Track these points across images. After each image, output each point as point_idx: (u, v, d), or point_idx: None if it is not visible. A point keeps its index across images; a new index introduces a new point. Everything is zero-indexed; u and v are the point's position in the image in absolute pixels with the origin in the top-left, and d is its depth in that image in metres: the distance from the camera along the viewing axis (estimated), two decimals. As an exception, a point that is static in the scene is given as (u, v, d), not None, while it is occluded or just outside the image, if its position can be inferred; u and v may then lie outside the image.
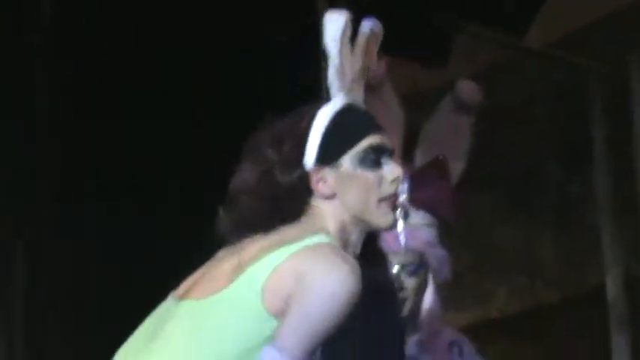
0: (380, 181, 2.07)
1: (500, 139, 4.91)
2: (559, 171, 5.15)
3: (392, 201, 2.15)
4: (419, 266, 3.11)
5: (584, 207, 5.11)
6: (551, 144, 5.10)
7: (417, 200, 3.10)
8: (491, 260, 5.19)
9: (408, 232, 3.08)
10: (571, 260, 5.09)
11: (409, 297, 3.11)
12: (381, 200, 2.06)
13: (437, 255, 3.18)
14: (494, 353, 3.85)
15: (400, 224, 3.04)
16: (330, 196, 2.05)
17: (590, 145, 5.02)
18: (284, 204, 2.07)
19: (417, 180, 3.14)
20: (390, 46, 3.13)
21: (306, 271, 1.92)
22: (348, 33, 2.15)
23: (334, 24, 2.11)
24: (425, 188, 3.17)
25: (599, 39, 4.83)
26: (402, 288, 3.08)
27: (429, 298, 3.18)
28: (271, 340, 1.91)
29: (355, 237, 2.07)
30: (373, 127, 2.11)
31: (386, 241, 2.77)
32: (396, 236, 3.04)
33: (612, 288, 4.90)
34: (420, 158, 3.29)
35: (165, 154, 4.28)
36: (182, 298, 2.08)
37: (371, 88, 2.98)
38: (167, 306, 2.11)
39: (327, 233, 2.03)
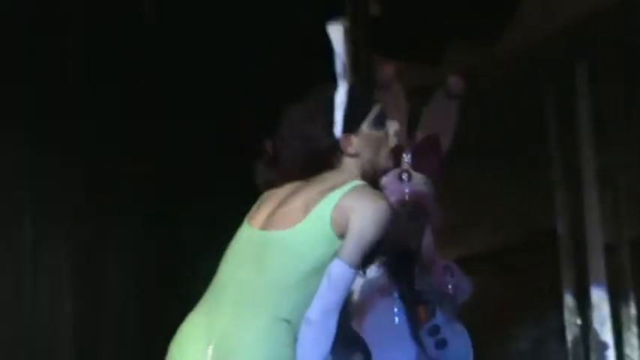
0: (387, 135, 2.46)
1: (483, 124, 5.28)
2: (525, 144, 5.75)
3: (393, 151, 2.51)
4: (415, 214, 3.51)
5: (543, 171, 5.74)
6: (518, 124, 5.63)
7: (417, 166, 3.54)
8: (475, 210, 5.70)
9: (411, 189, 3.51)
10: (534, 210, 5.75)
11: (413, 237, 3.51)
12: (389, 151, 2.45)
13: (432, 206, 3.59)
14: (475, 281, 3.83)
15: (405, 183, 3.49)
16: (355, 155, 2.41)
17: (546, 127, 5.72)
18: (322, 161, 2.43)
19: (418, 151, 3.60)
20: (397, 52, 4.03)
21: (358, 204, 2.31)
22: (348, 38, 2.52)
23: (337, 33, 2.50)
24: (423, 157, 3.60)
25: (557, 52, 5.30)
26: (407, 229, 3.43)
27: (427, 238, 3.59)
28: (337, 254, 2.31)
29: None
30: (374, 100, 2.48)
31: (393, 194, 3.38)
32: (401, 191, 3.50)
33: (563, 231, 5.61)
34: (420, 134, 3.70)
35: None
36: (265, 227, 2.44)
37: (382, 85, 3.71)
38: (253, 234, 2.45)
39: (360, 179, 2.38)
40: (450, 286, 3.55)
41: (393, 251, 3.43)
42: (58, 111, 4.41)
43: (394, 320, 3.47)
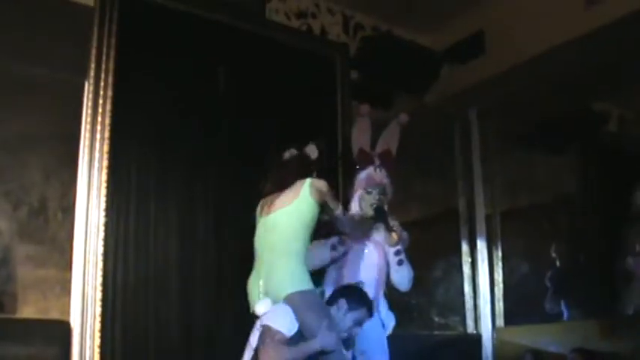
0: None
1: (418, 145, 5.64)
2: (441, 157, 6.85)
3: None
4: (384, 191, 4.36)
5: (452, 173, 6.81)
6: (436, 145, 6.76)
7: (382, 165, 4.39)
8: (411, 194, 6.33)
9: (380, 176, 4.35)
10: (445, 195, 6.83)
11: (383, 204, 4.27)
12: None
13: (390, 186, 4.39)
14: (411, 235, 4.31)
15: (379, 173, 4.27)
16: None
17: (453, 147, 6.79)
18: (302, 177, 3.61)
19: (380, 157, 4.46)
20: (366, 100, 5.00)
21: (322, 184, 3.62)
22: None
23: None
24: (384, 160, 4.46)
25: (460, 103, 6.46)
26: (380, 202, 4.22)
27: (385, 206, 4.27)
28: (333, 210, 3.52)
29: None
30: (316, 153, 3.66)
31: (372, 179, 4.27)
32: (377, 178, 4.29)
33: (462, 208, 6.78)
34: (379, 147, 4.51)
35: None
36: (270, 212, 3.45)
37: (361, 115, 4.54)
38: (267, 219, 3.41)
39: None
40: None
41: (376, 208, 4.36)
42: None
43: (363, 257, 4.19)
